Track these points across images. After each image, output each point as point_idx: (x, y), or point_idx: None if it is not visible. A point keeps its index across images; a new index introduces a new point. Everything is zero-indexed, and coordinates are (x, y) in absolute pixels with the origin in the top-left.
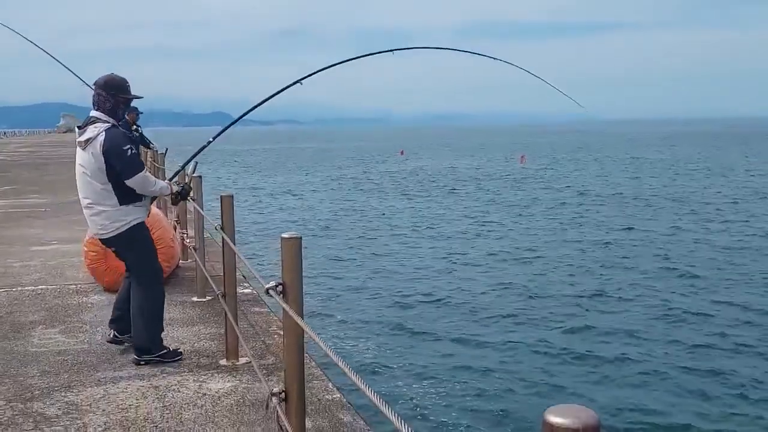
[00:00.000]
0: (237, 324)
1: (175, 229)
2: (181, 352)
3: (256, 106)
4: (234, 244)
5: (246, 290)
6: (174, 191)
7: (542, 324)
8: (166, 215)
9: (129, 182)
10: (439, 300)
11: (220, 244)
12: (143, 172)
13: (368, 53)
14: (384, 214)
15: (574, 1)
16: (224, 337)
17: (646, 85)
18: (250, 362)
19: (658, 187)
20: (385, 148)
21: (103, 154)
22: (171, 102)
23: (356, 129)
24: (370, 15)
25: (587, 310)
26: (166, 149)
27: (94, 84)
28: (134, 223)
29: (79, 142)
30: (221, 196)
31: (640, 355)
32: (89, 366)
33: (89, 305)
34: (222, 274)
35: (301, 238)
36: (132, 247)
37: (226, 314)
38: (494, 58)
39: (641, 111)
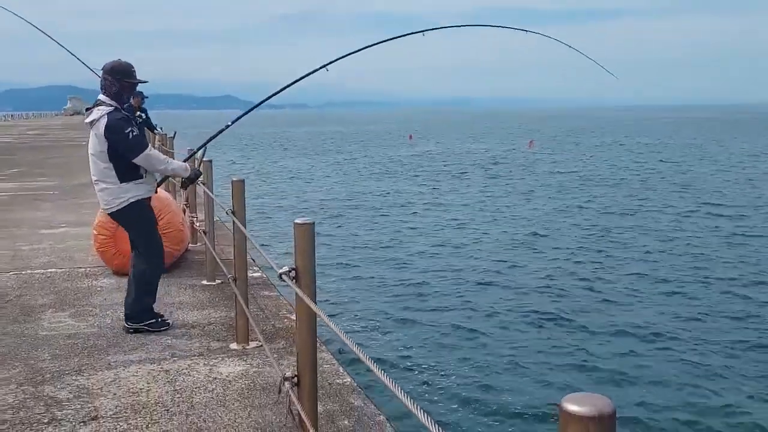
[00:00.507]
0: (248, 308)
1: (184, 212)
2: (168, 322)
3: (279, 92)
4: (245, 229)
5: (255, 274)
6: (182, 181)
7: (555, 316)
8: (176, 199)
9: (136, 161)
10: (449, 287)
11: (230, 228)
12: (147, 150)
13: (398, 35)
14: (394, 199)
15: None
16: (234, 320)
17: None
18: (261, 346)
19: (668, 171)
20: (394, 132)
21: (105, 136)
22: (177, 86)
23: (365, 112)
24: (375, 0)
25: (603, 301)
26: (174, 132)
27: (102, 69)
28: (133, 199)
29: (86, 123)
30: (233, 181)
31: (652, 348)
32: (99, 349)
33: (99, 289)
34: (232, 258)
35: (313, 223)
36: (132, 221)
37: (236, 298)
38: (525, 30)
39: (643, 98)
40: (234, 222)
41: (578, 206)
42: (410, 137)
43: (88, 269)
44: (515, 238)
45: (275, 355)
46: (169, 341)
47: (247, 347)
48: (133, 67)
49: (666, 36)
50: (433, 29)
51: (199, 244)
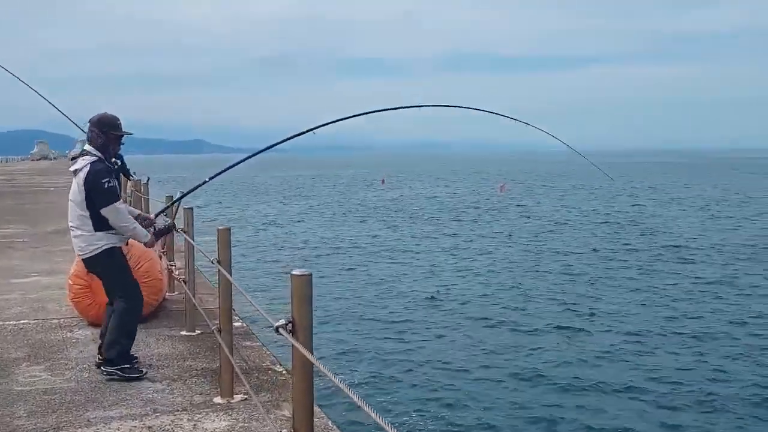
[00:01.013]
0: (233, 360)
1: (160, 257)
2: (142, 370)
3: (262, 150)
4: (232, 279)
5: (236, 324)
6: (156, 231)
7: (538, 354)
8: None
9: (102, 211)
10: (436, 330)
11: (207, 276)
12: (116, 203)
13: (392, 107)
14: (370, 244)
15: (553, 37)
16: (217, 373)
17: (620, 117)
18: (247, 399)
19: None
20: (367, 176)
21: (84, 184)
22: (148, 129)
23: (337, 156)
24: (352, 45)
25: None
26: (148, 178)
27: (89, 121)
28: (106, 247)
29: (70, 171)
30: (218, 229)
31: (623, 380)
32: (78, 405)
33: (74, 341)
34: (212, 307)
35: (311, 274)
36: (105, 267)
37: (221, 350)
38: (514, 119)
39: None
40: (220, 271)
41: (554, 250)
42: (383, 181)
43: (63, 320)
44: (495, 281)
45: (263, 410)
46: (150, 395)
47: (232, 401)
48: (119, 120)
49: (620, 83)
50: (429, 106)
51: (176, 292)
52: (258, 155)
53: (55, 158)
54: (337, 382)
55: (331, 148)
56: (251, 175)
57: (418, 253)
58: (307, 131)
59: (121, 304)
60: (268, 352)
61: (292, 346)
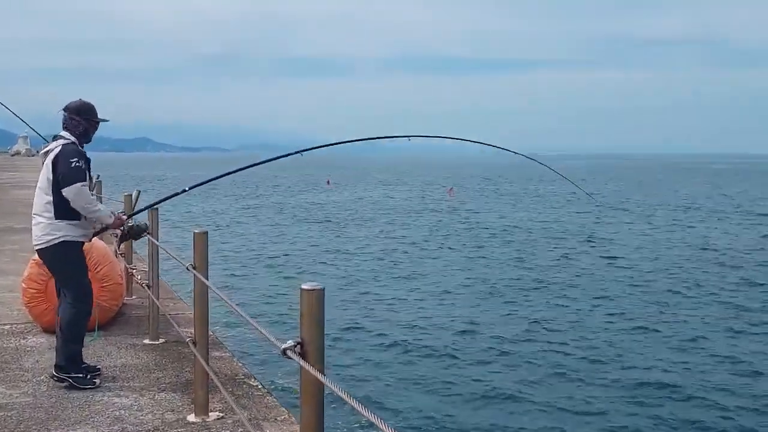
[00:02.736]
0: (211, 375)
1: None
2: (96, 381)
3: (246, 168)
4: (212, 285)
5: None
6: (126, 226)
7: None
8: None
9: (65, 192)
10: (436, 338)
11: (168, 281)
12: (81, 184)
13: (384, 136)
14: (327, 247)
15: (497, 39)
16: (187, 386)
17: (562, 121)
18: (223, 418)
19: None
20: (312, 176)
21: (53, 164)
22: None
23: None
24: (297, 44)
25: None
26: (98, 176)
27: (65, 109)
28: (64, 239)
29: (40, 155)
30: (195, 233)
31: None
32: (38, 423)
33: (28, 349)
34: (177, 313)
35: (323, 289)
36: (59, 262)
37: (196, 363)
38: (510, 151)
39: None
40: (196, 278)
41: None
42: (328, 182)
43: (14, 326)
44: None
45: (240, 430)
46: (118, 412)
47: (208, 419)
48: (94, 106)
49: (578, 87)
50: (418, 136)
51: (134, 297)
52: (202, 151)
53: None
54: (360, 410)
55: (277, 147)
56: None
57: (353, 254)
58: (296, 152)
59: (70, 307)
60: (240, 364)
61: (301, 368)
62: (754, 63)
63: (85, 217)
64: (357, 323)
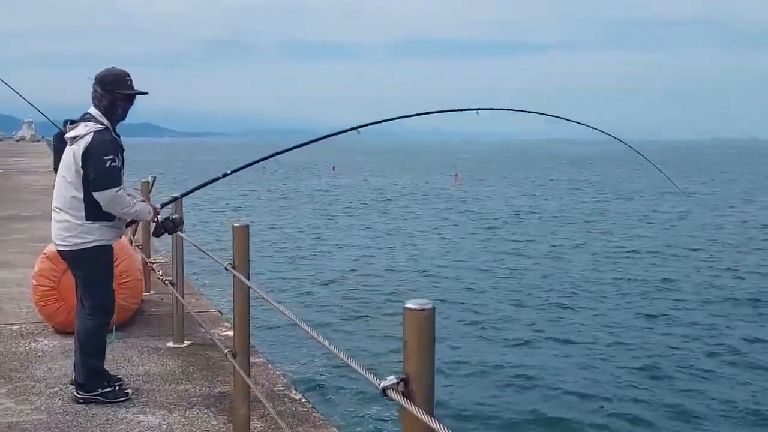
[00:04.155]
0: (254, 390)
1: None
2: (128, 392)
3: (293, 148)
4: (256, 287)
5: (229, 332)
6: (161, 218)
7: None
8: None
9: (97, 195)
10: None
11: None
12: (116, 189)
13: (450, 109)
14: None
15: (503, 22)
16: (221, 399)
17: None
18: None
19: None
20: (319, 162)
21: (82, 157)
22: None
23: (287, 141)
24: (303, 28)
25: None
26: (154, 177)
27: (94, 78)
28: (96, 244)
29: (67, 138)
30: (234, 227)
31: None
32: None
33: (39, 354)
34: (202, 311)
35: (434, 309)
36: (87, 268)
37: (236, 377)
38: (567, 119)
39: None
40: (235, 279)
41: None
42: (334, 168)
43: (24, 326)
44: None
45: None
46: None
47: None
48: (128, 75)
49: (588, 69)
50: (485, 109)
51: (152, 292)
52: (204, 137)
53: (0, 140)
54: None
55: (285, 132)
56: (193, 159)
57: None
58: (352, 129)
59: (87, 318)
60: (277, 373)
61: (404, 411)
62: None
63: (119, 217)
64: (450, 340)
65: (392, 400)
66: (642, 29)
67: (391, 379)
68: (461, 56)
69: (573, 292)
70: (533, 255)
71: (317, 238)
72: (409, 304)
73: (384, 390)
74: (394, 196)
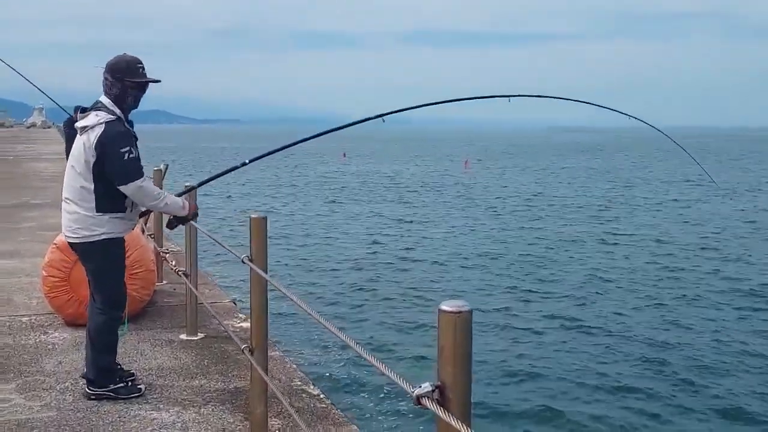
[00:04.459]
0: (272, 387)
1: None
2: (141, 388)
3: (318, 135)
4: (275, 282)
5: (244, 324)
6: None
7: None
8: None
9: (123, 189)
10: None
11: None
12: (141, 180)
13: (481, 96)
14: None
15: (513, 12)
16: (237, 396)
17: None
18: None
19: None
20: (329, 149)
21: (95, 148)
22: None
23: (301, 129)
24: (312, 17)
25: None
26: (166, 165)
27: (105, 66)
28: (106, 237)
29: (77, 127)
30: (252, 218)
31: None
32: None
33: (50, 347)
34: (214, 302)
35: (471, 311)
36: (97, 261)
37: (253, 375)
38: (603, 107)
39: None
40: (253, 271)
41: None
42: (344, 155)
43: (34, 318)
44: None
45: None
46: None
47: None
48: (140, 63)
49: (594, 59)
50: (517, 96)
51: (164, 282)
52: (219, 124)
53: (11, 126)
54: None
55: (294, 120)
56: (201, 145)
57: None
58: (377, 117)
59: (99, 313)
60: (294, 366)
61: (438, 419)
62: None
63: (131, 208)
64: (486, 342)
65: (426, 408)
66: (650, 21)
67: (426, 387)
68: (472, 45)
69: (619, 287)
70: (570, 248)
71: (330, 226)
72: (445, 306)
73: (418, 398)
74: (413, 184)
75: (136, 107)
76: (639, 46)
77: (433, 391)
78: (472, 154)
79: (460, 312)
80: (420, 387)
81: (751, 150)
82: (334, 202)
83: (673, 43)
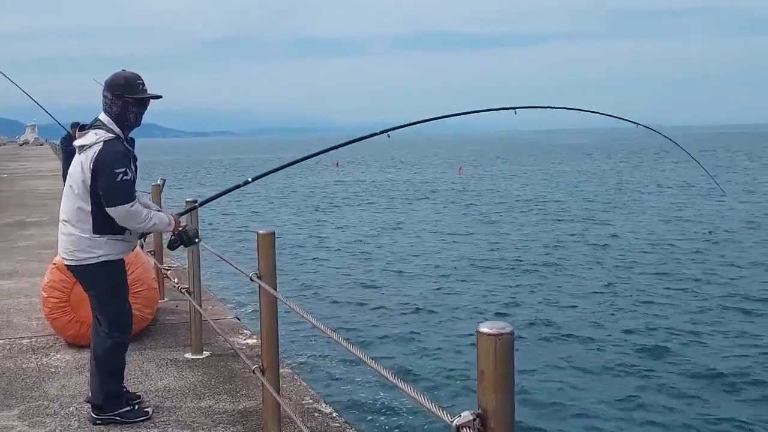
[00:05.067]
0: (284, 407)
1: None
2: (148, 411)
3: (324, 152)
4: (287, 301)
5: (250, 341)
6: (179, 229)
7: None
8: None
9: (110, 211)
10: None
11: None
12: (130, 204)
13: (487, 109)
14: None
15: (506, 14)
16: (247, 416)
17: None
18: None
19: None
20: (322, 159)
21: (91, 167)
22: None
23: (296, 138)
24: (306, 24)
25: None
26: (164, 180)
27: (104, 84)
28: (104, 259)
29: (75, 146)
30: (259, 234)
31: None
32: None
33: (52, 370)
34: (219, 318)
35: (512, 332)
36: (96, 284)
37: (265, 396)
38: (613, 116)
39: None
40: (262, 289)
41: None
42: (337, 164)
43: (35, 340)
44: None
45: None
46: None
47: None
48: (139, 79)
49: (587, 59)
50: (524, 107)
51: (166, 299)
52: (212, 136)
53: (4, 144)
54: None
55: (289, 130)
56: (198, 159)
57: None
58: (382, 132)
59: (105, 337)
60: (304, 384)
61: None
62: None
63: (130, 230)
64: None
65: None
66: (642, 18)
67: (467, 416)
68: (468, 48)
69: (668, 296)
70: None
71: (328, 236)
72: (484, 328)
73: (458, 428)
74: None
75: (138, 125)
76: (631, 44)
77: (474, 420)
78: (466, 157)
79: (501, 334)
80: (460, 416)
81: None
82: (333, 210)
83: (670, 40)
